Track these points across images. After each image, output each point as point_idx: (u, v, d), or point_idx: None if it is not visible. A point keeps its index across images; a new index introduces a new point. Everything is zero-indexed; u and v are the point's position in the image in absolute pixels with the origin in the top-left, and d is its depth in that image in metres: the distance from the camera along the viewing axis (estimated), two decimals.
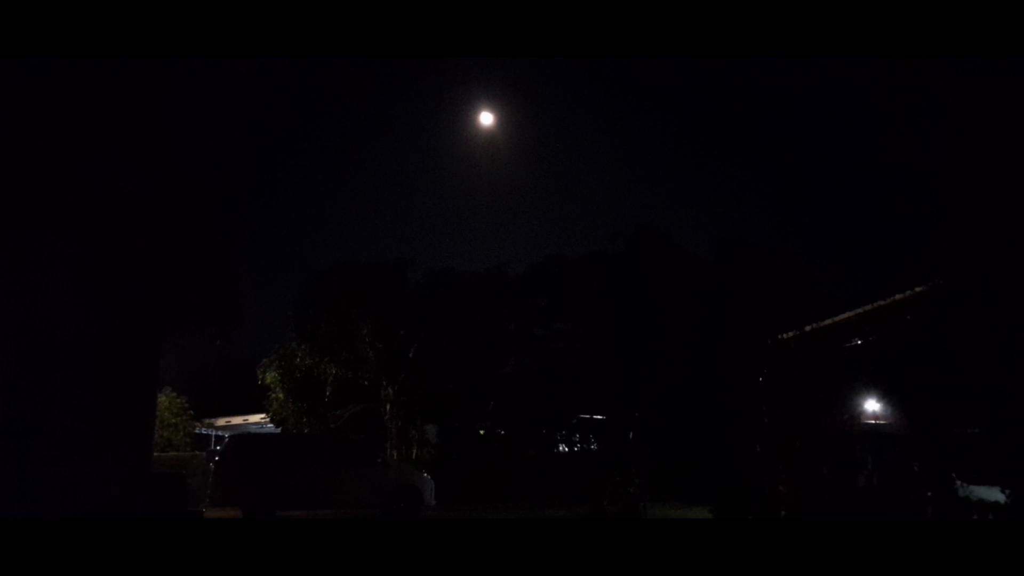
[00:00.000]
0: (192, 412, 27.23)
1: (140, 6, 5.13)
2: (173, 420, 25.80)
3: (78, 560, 4.71)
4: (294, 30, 5.15)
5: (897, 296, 12.57)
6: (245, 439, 18.45)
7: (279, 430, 24.68)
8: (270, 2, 5.03)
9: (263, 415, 26.15)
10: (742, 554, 5.47)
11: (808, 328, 14.68)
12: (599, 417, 24.82)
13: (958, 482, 11.96)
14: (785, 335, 15.41)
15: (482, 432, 25.25)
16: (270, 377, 24.19)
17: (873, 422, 15.78)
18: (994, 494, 11.28)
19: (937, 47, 5.14)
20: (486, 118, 26.08)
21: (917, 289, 12.24)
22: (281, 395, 24.19)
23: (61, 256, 6.94)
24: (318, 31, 5.14)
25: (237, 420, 30.12)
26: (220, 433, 30.53)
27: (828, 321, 14.17)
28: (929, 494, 12.10)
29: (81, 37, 5.26)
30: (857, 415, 15.32)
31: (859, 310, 13.37)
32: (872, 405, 15.74)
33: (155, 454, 14.65)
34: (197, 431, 28.89)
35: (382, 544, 5.83)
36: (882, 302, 12.88)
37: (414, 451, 23.32)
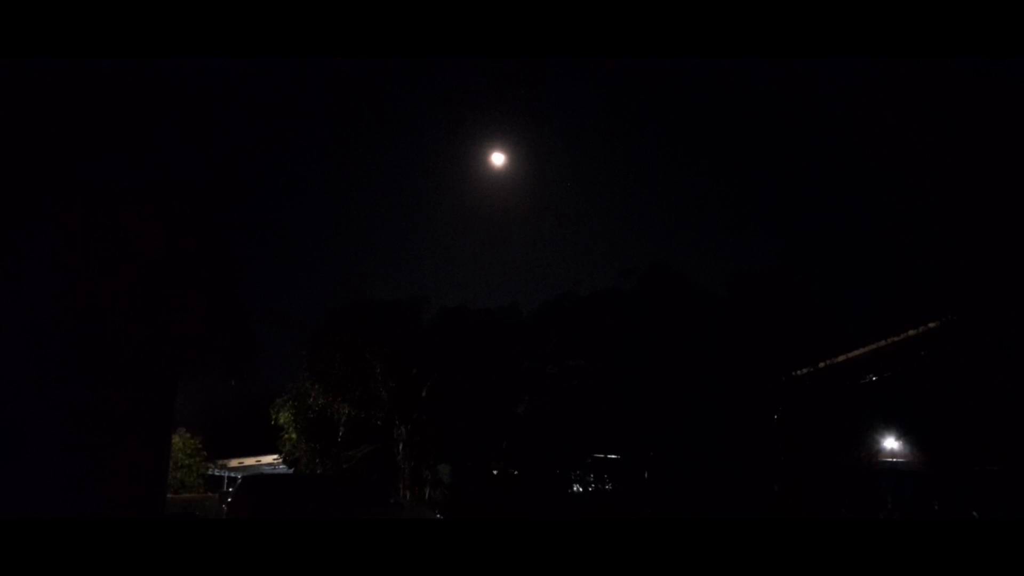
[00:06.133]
0: (205, 453, 27.23)
1: (159, 9, 4.86)
2: (186, 461, 25.80)
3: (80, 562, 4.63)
4: (305, 45, 5.04)
5: (910, 332, 12.50)
6: (258, 480, 18.37)
7: (291, 471, 24.60)
8: (280, 20, 4.90)
9: (276, 456, 26.09)
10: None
11: (822, 364, 14.60)
12: (613, 456, 24.52)
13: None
14: (799, 371, 15.32)
15: (495, 472, 25.02)
16: (283, 417, 24.20)
17: (891, 460, 15.53)
18: None
19: (938, 47, 4.94)
20: (498, 158, 26.55)
21: (931, 324, 12.18)
22: (294, 435, 24.16)
23: (70, 305, 7.05)
24: (326, 39, 5.03)
25: (250, 461, 30.09)
26: (233, 474, 30.47)
27: (842, 357, 14.10)
28: None
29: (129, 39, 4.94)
30: (874, 452, 15.09)
31: (872, 346, 13.29)
32: (890, 442, 15.49)
33: (168, 495, 14.64)
34: (210, 472, 28.85)
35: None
36: (895, 338, 12.81)
37: (427, 491, 23.16)
